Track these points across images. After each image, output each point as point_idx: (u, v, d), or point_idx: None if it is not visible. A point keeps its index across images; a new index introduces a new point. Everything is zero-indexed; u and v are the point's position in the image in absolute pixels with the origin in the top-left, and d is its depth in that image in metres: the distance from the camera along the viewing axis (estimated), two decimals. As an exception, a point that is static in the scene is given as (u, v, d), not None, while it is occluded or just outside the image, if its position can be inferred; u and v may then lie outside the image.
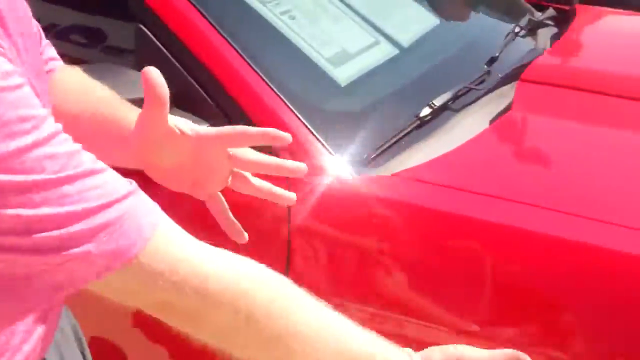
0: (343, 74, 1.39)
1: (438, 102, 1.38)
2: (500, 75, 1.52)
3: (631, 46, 1.73)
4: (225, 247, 0.61)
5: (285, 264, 1.15)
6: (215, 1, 1.38)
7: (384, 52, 1.50)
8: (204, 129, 0.77)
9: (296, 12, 1.44)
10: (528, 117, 1.44)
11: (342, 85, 1.38)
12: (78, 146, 0.55)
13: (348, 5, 1.55)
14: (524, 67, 1.55)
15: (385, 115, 1.38)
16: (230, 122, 1.12)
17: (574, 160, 1.30)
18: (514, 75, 1.52)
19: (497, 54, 1.56)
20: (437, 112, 1.37)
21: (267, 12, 1.39)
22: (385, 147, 1.28)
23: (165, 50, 1.28)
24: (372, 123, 1.34)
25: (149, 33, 1.29)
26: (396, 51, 1.52)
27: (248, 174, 0.81)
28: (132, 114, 0.77)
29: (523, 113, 1.43)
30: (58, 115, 0.61)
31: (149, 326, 1.14)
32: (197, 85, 1.27)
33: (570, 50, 1.70)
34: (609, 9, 2.00)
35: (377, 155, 1.25)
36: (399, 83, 1.46)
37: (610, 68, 1.61)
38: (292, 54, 1.38)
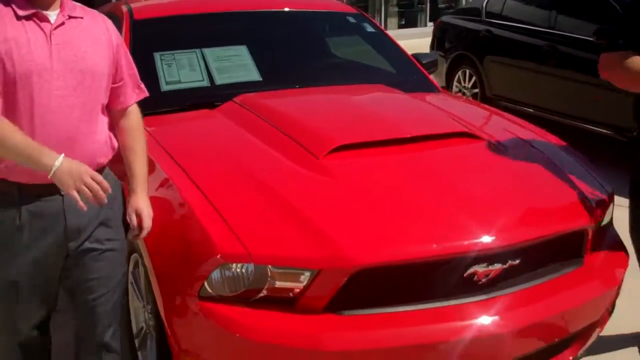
0: (168, 87, 3.28)
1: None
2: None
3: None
4: None
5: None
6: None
7: (201, 84, 3.32)
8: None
9: (172, 62, 3.39)
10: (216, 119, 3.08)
11: (162, 91, 3.26)
12: None
13: (205, 63, 3.40)
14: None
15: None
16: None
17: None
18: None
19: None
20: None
21: (158, 58, 3.38)
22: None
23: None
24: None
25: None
26: (209, 85, 3.32)
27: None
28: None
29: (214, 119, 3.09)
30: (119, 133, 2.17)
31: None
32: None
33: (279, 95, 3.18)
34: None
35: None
36: (194, 96, 3.26)
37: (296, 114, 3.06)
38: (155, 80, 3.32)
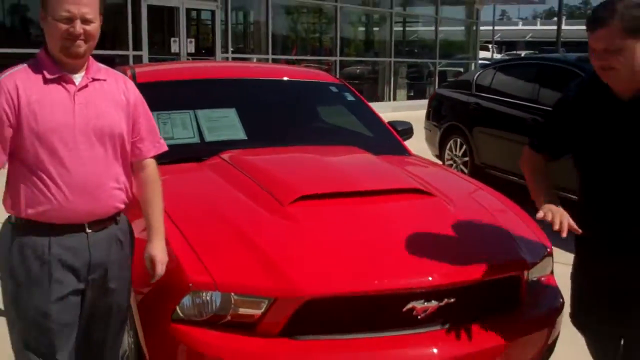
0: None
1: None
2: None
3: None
4: None
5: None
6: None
7: (192, 141, 3.73)
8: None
9: (168, 120, 3.81)
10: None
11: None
12: None
13: (197, 122, 3.82)
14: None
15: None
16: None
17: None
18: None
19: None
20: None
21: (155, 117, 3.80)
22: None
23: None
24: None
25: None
26: (198, 141, 3.72)
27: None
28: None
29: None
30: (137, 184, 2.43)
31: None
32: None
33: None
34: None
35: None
36: (185, 151, 3.66)
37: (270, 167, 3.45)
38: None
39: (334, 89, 4.48)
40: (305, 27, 18.53)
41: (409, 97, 19.07)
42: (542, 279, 3.03)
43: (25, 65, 2.26)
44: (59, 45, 2.21)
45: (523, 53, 40.37)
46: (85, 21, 2.21)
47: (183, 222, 2.77)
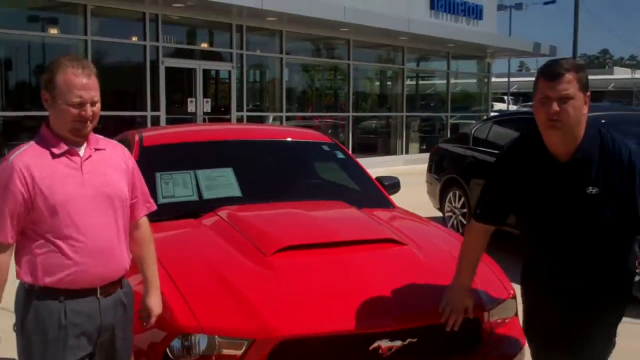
0: (164, 200, 4.04)
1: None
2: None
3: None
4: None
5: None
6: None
7: (191, 199, 4.08)
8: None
9: (169, 180, 4.18)
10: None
11: (158, 203, 4.02)
12: None
13: (196, 181, 4.18)
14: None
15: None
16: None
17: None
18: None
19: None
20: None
21: (158, 177, 4.17)
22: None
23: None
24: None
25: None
26: (197, 199, 4.08)
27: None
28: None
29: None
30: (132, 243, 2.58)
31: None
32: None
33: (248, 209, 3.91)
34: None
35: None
36: (184, 208, 4.01)
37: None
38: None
39: (325, 147, 4.84)
40: (319, 85, 19.09)
41: (421, 150, 19.41)
42: (506, 320, 3.28)
43: (32, 143, 2.44)
44: (69, 127, 2.39)
45: (540, 103, 40.59)
46: (93, 103, 2.41)
47: (175, 271, 3.09)
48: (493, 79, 60.46)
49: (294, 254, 3.23)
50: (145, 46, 13.29)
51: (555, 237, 2.69)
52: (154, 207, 2.79)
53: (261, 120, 16.11)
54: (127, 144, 4.40)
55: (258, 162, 4.54)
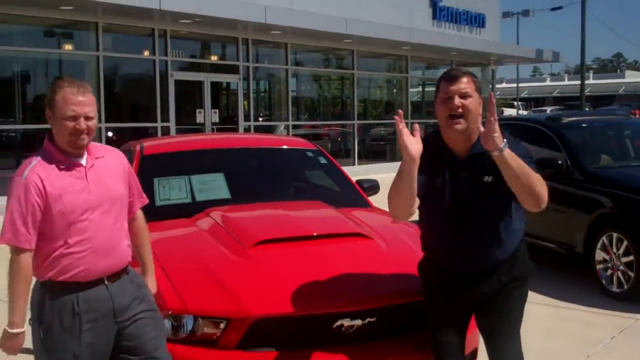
0: (161, 203, 4.51)
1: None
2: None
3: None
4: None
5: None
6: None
7: (184, 201, 4.54)
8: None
9: (166, 184, 4.64)
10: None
11: (156, 205, 4.48)
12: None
13: (190, 185, 4.64)
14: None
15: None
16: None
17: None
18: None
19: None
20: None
21: (156, 182, 4.63)
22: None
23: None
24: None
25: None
26: (190, 201, 4.54)
27: None
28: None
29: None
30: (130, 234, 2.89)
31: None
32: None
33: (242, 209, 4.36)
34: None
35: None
36: (178, 209, 4.47)
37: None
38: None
39: (310, 153, 5.29)
40: (324, 94, 19.54)
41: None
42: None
43: (38, 159, 2.70)
44: (67, 140, 2.67)
45: (549, 109, 40.99)
46: (87, 118, 2.67)
47: (167, 263, 3.54)
48: (504, 85, 60.49)
49: (270, 247, 3.67)
50: (154, 60, 13.83)
51: (456, 225, 3.00)
52: (147, 201, 3.14)
53: (269, 129, 16.59)
54: (130, 152, 4.89)
55: (247, 167, 4.99)
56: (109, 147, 3.02)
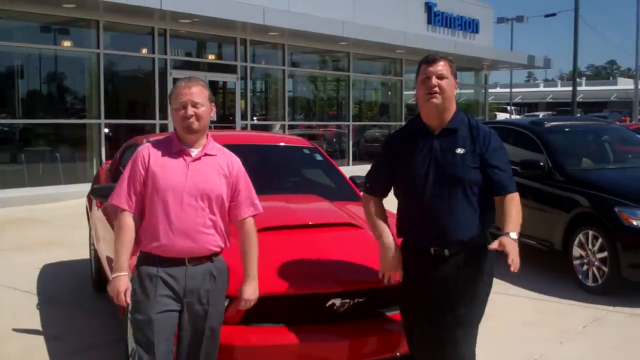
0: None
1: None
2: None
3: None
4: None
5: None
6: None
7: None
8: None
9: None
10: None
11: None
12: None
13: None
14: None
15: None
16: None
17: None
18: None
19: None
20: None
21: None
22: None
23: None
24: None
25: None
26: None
27: None
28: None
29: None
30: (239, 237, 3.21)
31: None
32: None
33: None
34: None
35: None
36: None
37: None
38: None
39: (306, 151, 5.65)
40: (320, 95, 19.91)
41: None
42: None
43: (161, 139, 3.18)
44: (180, 126, 3.04)
45: (542, 114, 41.48)
46: (195, 105, 3.01)
47: None
48: (498, 90, 60.85)
49: (270, 233, 4.03)
50: (154, 59, 14.16)
51: (430, 195, 3.19)
52: (260, 210, 3.30)
53: (265, 129, 16.93)
54: (136, 147, 5.21)
55: (249, 162, 5.30)
56: (228, 151, 3.24)
